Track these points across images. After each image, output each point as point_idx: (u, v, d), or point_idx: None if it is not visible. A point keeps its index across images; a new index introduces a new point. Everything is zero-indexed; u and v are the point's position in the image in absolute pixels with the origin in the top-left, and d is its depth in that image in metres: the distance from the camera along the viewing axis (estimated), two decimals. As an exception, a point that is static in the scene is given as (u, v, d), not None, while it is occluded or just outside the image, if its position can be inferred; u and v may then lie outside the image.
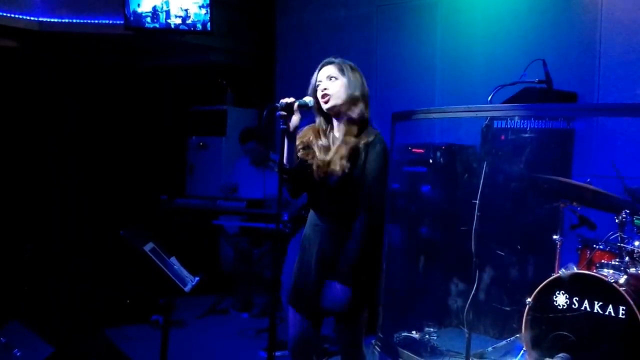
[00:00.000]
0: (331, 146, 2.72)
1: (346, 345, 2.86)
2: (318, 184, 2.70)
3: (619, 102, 4.36)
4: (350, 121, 2.69)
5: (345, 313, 2.72)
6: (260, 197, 5.48)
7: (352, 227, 2.64)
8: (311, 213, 2.82)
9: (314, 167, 2.69)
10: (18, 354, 3.15)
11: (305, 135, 2.78)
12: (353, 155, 2.64)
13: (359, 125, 2.70)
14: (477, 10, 5.28)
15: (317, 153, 2.71)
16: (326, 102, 2.69)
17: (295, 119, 2.60)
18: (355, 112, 2.69)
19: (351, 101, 2.69)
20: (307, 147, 2.75)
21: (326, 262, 2.69)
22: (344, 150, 2.64)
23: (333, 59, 2.75)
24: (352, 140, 2.66)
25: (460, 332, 4.20)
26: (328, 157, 2.67)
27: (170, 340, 3.21)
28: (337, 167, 2.63)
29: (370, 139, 2.69)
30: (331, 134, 2.76)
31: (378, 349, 4.30)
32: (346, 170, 2.62)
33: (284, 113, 2.57)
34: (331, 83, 2.69)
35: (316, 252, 2.71)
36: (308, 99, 2.68)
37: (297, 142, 2.73)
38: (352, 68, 2.73)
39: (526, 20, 4.96)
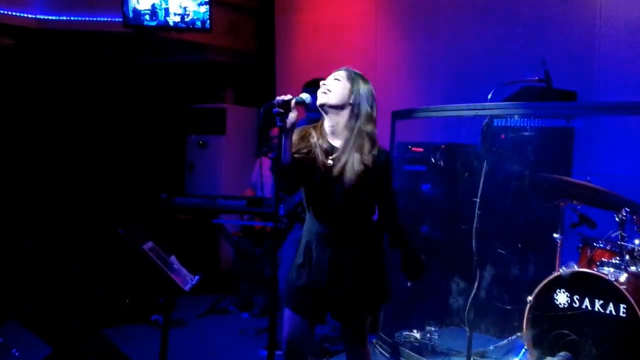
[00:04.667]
0: (332, 149, 2.68)
1: (353, 343, 2.85)
2: (322, 190, 2.67)
3: (619, 100, 4.35)
4: (365, 140, 2.64)
5: (355, 312, 2.74)
6: (260, 196, 5.47)
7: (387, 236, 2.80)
8: (311, 220, 2.75)
9: (317, 169, 2.65)
10: (16, 354, 3.14)
11: (306, 133, 2.73)
12: (367, 173, 2.61)
13: (372, 143, 2.66)
14: (477, 8, 5.27)
15: (319, 156, 2.66)
16: (322, 95, 2.65)
17: (292, 116, 2.57)
18: (368, 128, 2.64)
19: (352, 107, 2.65)
20: (308, 148, 2.69)
21: (337, 268, 2.67)
22: (358, 169, 2.59)
23: (347, 68, 2.72)
24: (366, 160, 2.61)
25: (461, 331, 4.20)
26: (336, 172, 2.62)
27: (170, 340, 3.19)
28: (349, 181, 2.59)
29: (381, 154, 2.67)
30: (332, 137, 2.70)
31: (379, 348, 4.30)
32: (359, 187, 2.60)
33: (280, 110, 2.54)
34: (334, 82, 2.66)
35: (328, 258, 2.66)
36: (305, 96, 2.65)
37: (297, 140, 2.69)
38: (364, 80, 2.69)
39: (526, 18, 4.95)
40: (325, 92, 2.65)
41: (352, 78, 2.67)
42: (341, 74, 2.68)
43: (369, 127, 2.64)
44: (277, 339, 2.81)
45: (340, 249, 2.67)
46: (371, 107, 2.68)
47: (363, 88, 2.67)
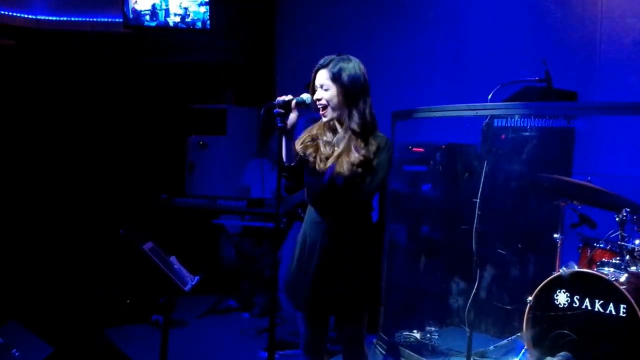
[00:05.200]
0: (334, 142, 2.71)
1: (348, 343, 2.86)
2: (320, 179, 2.68)
3: (620, 101, 4.35)
4: (355, 133, 2.66)
5: (347, 310, 2.72)
6: (260, 196, 5.48)
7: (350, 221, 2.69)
8: (310, 210, 2.80)
9: (317, 160, 2.69)
10: (17, 354, 3.14)
11: (311, 129, 2.79)
12: (364, 163, 2.62)
13: (366, 133, 2.67)
14: (477, 8, 5.27)
15: (322, 147, 2.71)
16: (324, 115, 2.70)
17: (292, 116, 2.60)
18: (354, 123, 2.65)
19: (350, 110, 2.66)
20: (313, 140, 2.75)
21: (329, 259, 2.68)
22: (354, 158, 2.61)
23: (326, 62, 2.69)
24: (361, 150, 2.63)
25: (461, 331, 4.19)
26: (331, 160, 2.66)
27: (170, 340, 3.20)
28: (344, 170, 2.61)
29: (381, 144, 2.67)
30: (335, 130, 2.74)
31: (380, 349, 4.30)
32: (357, 176, 2.61)
33: (281, 111, 2.56)
34: (324, 93, 2.67)
35: (318, 250, 2.70)
36: (306, 97, 2.68)
37: (305, 135, 2.75)
38: (345, 68, 2.65)
39: (526, 18, 4.95)
40: (324, 112, 2.68)
41: (336, 78, 2.65)
42: (326, 81, 2.66)
43: (364, 114, 2.67)
44: (277, 339, 2.83)
45: (335, 240, 2.67)
46: (363, 93, 2.68)
47: (350, 79, 2.65)
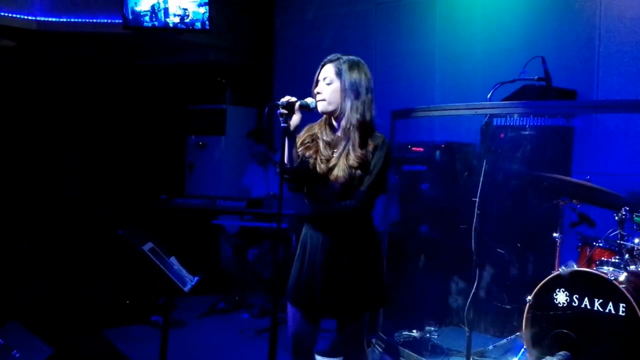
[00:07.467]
0: (333, 142, 2.71)
1: (349, 343, 2.85)
2: (320, 183, 2.69)
3: (619, 99, 4.35)
4: (352, 131, 2.65)
5: (349, 311, 2.73)
6: (260, 196, 5.48)
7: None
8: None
9: (317, 161, 2.68)
10: (17, 355, 3.15)
11: (311, 128, 2.79)
12: (362, 164, 2.62)
13: (363, 133, 2.66)
14: (476, 7, 5.27)
15: (321, 148, 2.71)
16: (319, 104, 2.70)
17: (296, 118, 2.60)
18: (352, 120, 2.65)
19: (349, 107, 2.65)
20: (313, 140, 2.75)
21: (331, 261, 2.68)
22: (352, 160, 2.61)
23: (334, 57, 2.72)
24: (359, 150, 2.63)
25: (460, 331, 4.20)
26: (332, 163, 2.65)
27: (170, 341, 3.20)
28: (341, 172, 2.61)
29: (378, 142, 2.67)
30: (335, 131, 2.74)
31: (379, 348, 4.30)
32: (355, 178, 2.61)
33: (284, 111, 2.57)
34: (325, 87, 2.68)
35: (320, 251, 2.69)
36: (310, 100, 2.68)
37: (304, 135, 2.75)
38: (351, 67, 2.67)
39: (525, 17, 4.95)
40: (319, 100, 2.69)
41: (341, 74, 2.67)
42: (330, 75, 2.68)
43: (363, 114, 2.66)
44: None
45: (335, 241, 2.67)
46: (366, 94, 2.68)
47: (354, 79, 2.66)
